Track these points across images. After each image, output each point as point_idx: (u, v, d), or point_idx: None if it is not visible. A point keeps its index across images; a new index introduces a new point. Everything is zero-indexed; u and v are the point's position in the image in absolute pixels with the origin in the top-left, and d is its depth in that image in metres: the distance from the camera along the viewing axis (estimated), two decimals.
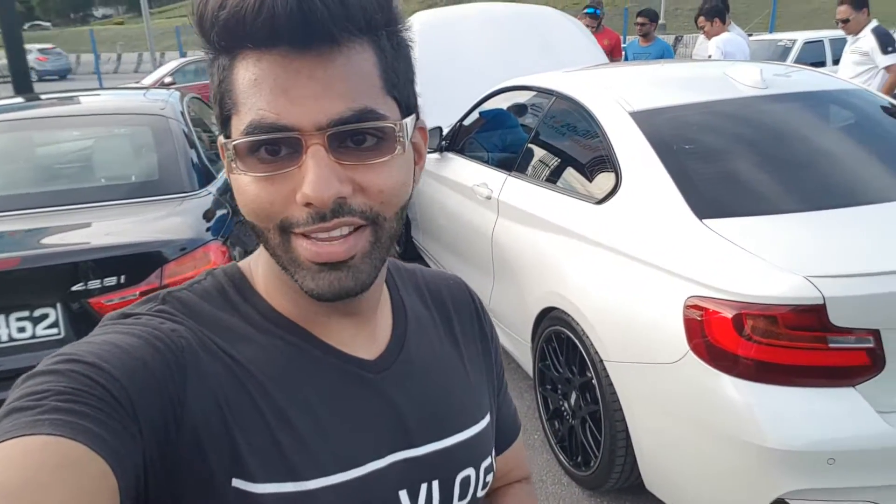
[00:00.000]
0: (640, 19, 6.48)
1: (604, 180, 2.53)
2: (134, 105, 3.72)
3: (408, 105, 0.61)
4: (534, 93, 3.35)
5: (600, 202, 2.49)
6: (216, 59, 0.58)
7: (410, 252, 4.76)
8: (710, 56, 5.49)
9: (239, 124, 0.56)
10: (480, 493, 0.72)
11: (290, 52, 0.53)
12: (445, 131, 4.11)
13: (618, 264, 2.27)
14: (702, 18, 5.58)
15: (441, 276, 0.83)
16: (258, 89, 0.54)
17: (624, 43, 7.46)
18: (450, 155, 3.99)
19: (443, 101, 4.40)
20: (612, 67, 3.44)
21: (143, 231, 2.74)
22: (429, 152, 4.14)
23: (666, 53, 6.42)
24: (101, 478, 0.47)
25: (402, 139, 0.58)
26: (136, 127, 3.37)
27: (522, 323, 2.88)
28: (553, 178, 2.87)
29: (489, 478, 0.73)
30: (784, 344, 1.80)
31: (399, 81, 0.59)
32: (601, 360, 2.29)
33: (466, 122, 4.04)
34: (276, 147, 0.55)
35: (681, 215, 2.16)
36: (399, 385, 0.67)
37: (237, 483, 0.56)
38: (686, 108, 2.58)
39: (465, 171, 3.67)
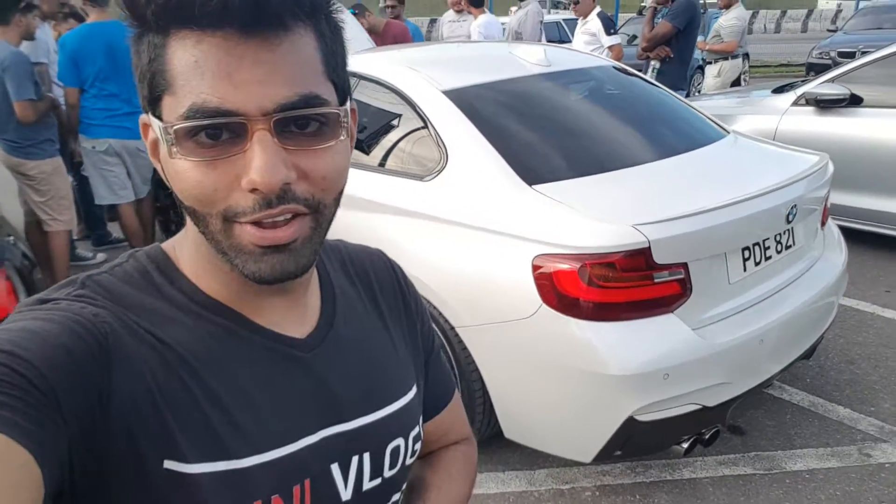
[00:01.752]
0: (389, 2, 6.69)
1: (429, 157, 2.65)
2: None
3: (344, 89, 0.62)
4: None
5: (428, 178, 2.61)
6: (144, 35, 0.56)
7: None
8: (470, 37, 5.90)
9: (176, 106, 0.54)
10: (410, 461, 0.75)
11: (235, 36, 0.53)
12: None
13: (458, 236, 2.41)
14: (465, 2, 6.00)
15: (364, 250, 0.85)
16: (198, 71, 0.53)
17: None
18: None
19: None
20: (400, 49, 3.55)
21: None
22: None
23: (415, 34, 6.72)
24: (22, 468, 0.46)
25: (345, 125, 0.59)
26: None
27: None
28: (373, 160, 2.92)
29: (417, 446, 0.76)
30: (621, 285, 2.10)
31: (337, 66, 0.60)
32: (452, 328, 2.43)
33: None
34: (217, 131, 0.54)
35: (513, 184, 2.36)
36: (329, 362, 0.69)
37: (169, 465, 0.56)
38: (491, 85, 2.80)
39: None
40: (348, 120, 0.60)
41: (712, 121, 3.13)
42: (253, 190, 0.54)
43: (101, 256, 4.96)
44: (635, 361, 2.08)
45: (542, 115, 2.71)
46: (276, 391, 0.64)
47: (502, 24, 6.33)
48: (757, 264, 2.39)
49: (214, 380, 0.60)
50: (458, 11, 6.26)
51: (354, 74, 3.12)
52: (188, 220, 0.62)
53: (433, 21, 21.59)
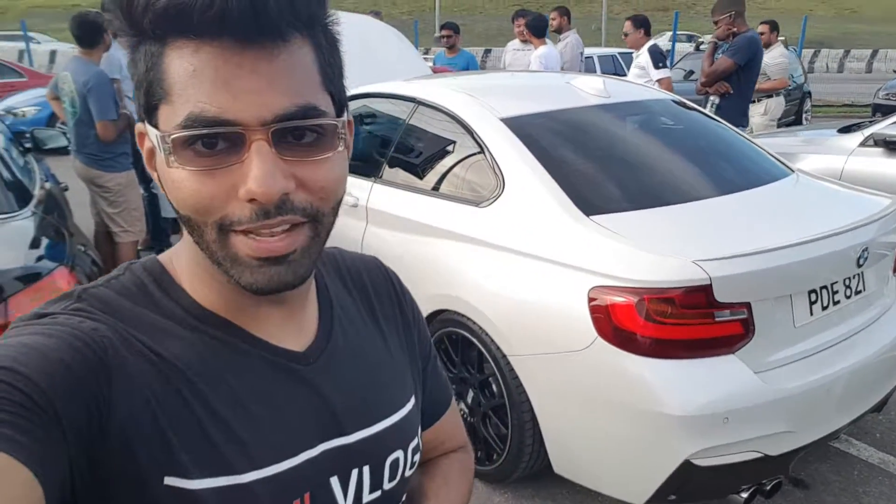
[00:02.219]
0: (444, 31, 6.78)
1: (485, 184, 2.64)
2: None
3: (340, 100, 0.62)
4: (390, 100, 3.37)
5: (484, 205, 2.59)
6: (141, 44, 0.56)
7: None
8: (530, 66, 5.91)
9: (173, 115, 0.54)
10: (409, 473, 0.75)
11: (234, 45, 0.53)
12: None
13: (514, 263, 2.38)
14: (528, 32, 6.03)
15: (360, 258, 0.84)
16: (196, 81, 0.53)
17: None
18: None
19: None
20: (460, 77, 3.58)
21: None
22: None
23: (471, 64, 6.78)
24: (25, 486, 0.46)
25: (342, 136, 0.59)
26: None
27: None
28: (429, 185, 2.92)
29: (416, 458, 0.75)
30: (680, 322, 2.03)
31: (334, 77, 0.60)
32: (504, 356, 2.39)
33: None
34: (215, 140, 0.54)
35: (570, 213, 2.33)
36: (327, 375, 0.68)
37: (170, 481, 0.56)
38: (549, 114, 2.79)
39: None
40: (346, 131, 0.60)
41: (776, 158, 3.04)
42: (251, 200, 0.54)
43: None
44: (694, 402, 2.00)
45: (600, 146, 2.68)
46: (275, 405, 0.63)
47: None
48: (824, 308, 2.29)
49: (213, 394, 0.60)
50: (524, 41, 6.28)
51: (412, 99, 3.15)
52: (185, 231, 0.61)
53: (488, 51, 21.83)
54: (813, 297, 2.25)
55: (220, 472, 0.58)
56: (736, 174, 2.73)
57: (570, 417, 2.25)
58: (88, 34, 3.96)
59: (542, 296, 2.27)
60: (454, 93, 2.98)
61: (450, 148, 2.91)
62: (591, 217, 2.30)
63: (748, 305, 2.08)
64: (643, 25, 5.78)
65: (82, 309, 0.58)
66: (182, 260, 0.64)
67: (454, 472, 0.88)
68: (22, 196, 2.85)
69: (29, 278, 2.24)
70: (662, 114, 3.07)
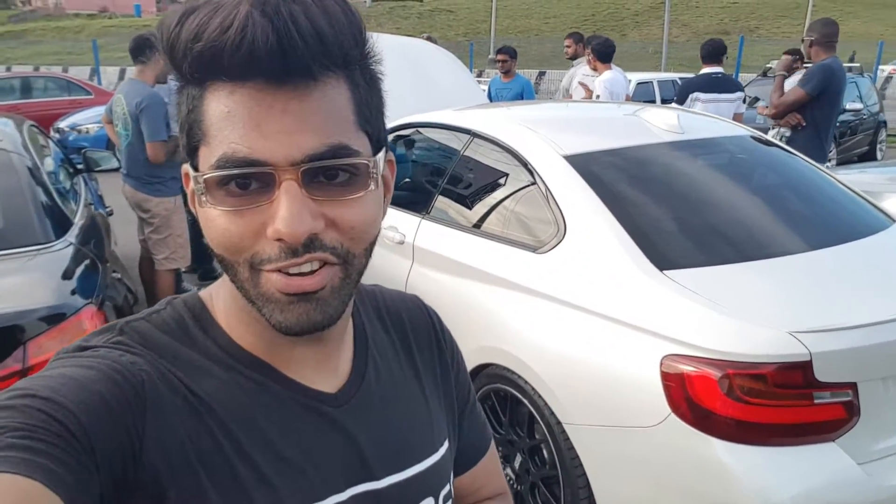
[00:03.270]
0: (500, 56, 6.60)
1: (544, 228, 2.40)
2: None
3: (378, 139, 0.61)
4: (443, 130, 3.17)
5: (542, 251, 2.35)
6: (185, 87, 0.57)
7: None
8: (597, 96, 5.65)
9: (209, 156, 0.55)
10: None
11: (266, 86, 0.53)
12: None
13: (574, 320, 2.13)
14: (593, 56, 5.78)
15: (400, 297, 0.83)
16: (230, 122, 0.54)
17: None
18: None
19: None
20: (519, 107, 3.35)
21: None
22: None
23: (526, 89, 6.58)
24: None
25: (374, 175, 0.58)
26: None
27: None
28: (480, 223, 2.70)
29: None
30: (772, 402, 1.75)
31: (371, 116, 0.60)
32: (558, 423, 2.13)
33: None
34: (247, 181, 0.55)
35: (640, 266, 2.07)
36: (359, 418, 0.68)
37: None
38: (616, 152, 2.54)
39: None
40: (378, 170, 0.59)
41: (872, 204, 2.71)
42: (278, 239, 0.55)
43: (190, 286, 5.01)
44: (784, 497, 1.70)
45: (674, 189, 2.41)
46: (305, 447, 0.63)
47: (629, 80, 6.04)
48: None
49: (244, 434, 0.60)
50: (594, 68, 6.02)
51: (467, 131, 2.94)
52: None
53: (542, 73, 21.61)
54: None
55: None
56: (829, 224, 2.42)
57: (634, 500, 1.97)
58: (138, 48, 3.93)
59: (605, 360, 2.01)
60: (513, 125, 2.76)
61: (506, 185, 2.68)
62: (664, 272, 2.04)
63: (854, 386, 1.78)
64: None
65: (123, 342, 0.59)
66: (220, 297, 0.65)
67: None
68: (61, 224, 2.74)
69: (53, 319, 2.10)
70: (741, 152, 2.78)
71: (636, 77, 10.84)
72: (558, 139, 2.56)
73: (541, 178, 2.46)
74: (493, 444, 0.88)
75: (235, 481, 0.58)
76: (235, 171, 0.54)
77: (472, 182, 2.94)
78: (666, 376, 1.84)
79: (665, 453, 1.86)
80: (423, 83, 4.65)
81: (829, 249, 2.20)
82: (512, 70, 6.45)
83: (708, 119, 3.19)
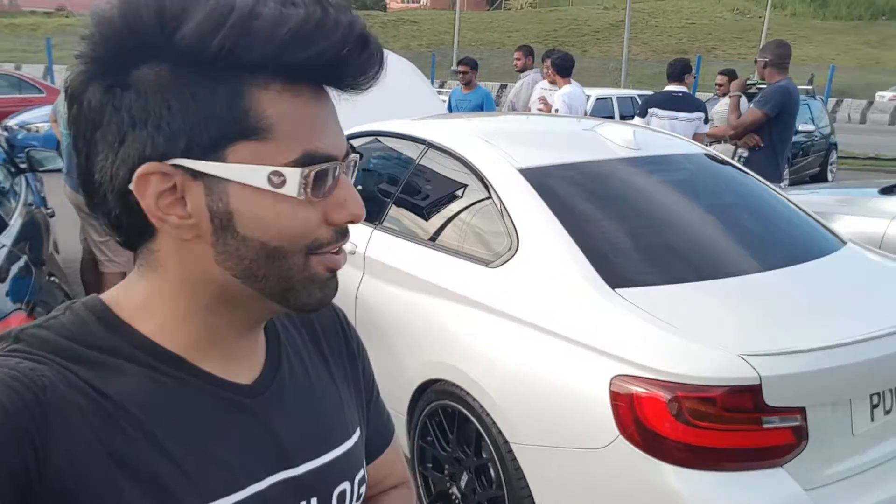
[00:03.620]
0: (461, 67, 6.58)
1: (497, 241, 2.34)
2: None
3: None
4: (398, 139, 3.09)
5: (495, 265, 2.29)
6: (216, 83, 0.56)
7: None
8: (556, 109, 5.65)
9: (275, 153, 0.57)
10: None
11: (318, 92, 0.60)
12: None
13: (523, 336, 2.07)
14: (552, 70, 5.80)
15: None
16: (306, 121, 0.58)
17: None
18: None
19: None
20: (477, 118, 3.29)
21: None
22: None
23: (486, 101, 6.55)
24: None
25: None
26: None
27: (396, 394, 2.57)
28: (433, 236, 2.63)
29: (362, 489, 0.76)
30: (721, 426, 1.71)
31: None
32: (506, 442, 2.07)
33: None
34: (324, 174, 0.59)
35: (592, 284, 2.02)
36: (275, 407, 0.68)
37: None
38: (573, 167, 2.50)
39: None
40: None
41: (823, 225, 2.73)
42: (348, 222, 0.62)
43: None
44: None
45: (629, 207, 2.38)
46: (223, 439, 0.63)
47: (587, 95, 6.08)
48: (888, 413, 1.96)
49: (160, 430, 0.59)
50: (552, 81, 6.02)
51: (423, 141, 2.88)
52: (173, 271, 0.61)
53: (504, 86, 21.72)
54: (875, 399, 1.92)
55: None
56: (782, 245, 2.42)
57: None
58: None
59: (554, 379, 1.96)
60: (468, 136, 2.71)
61: (460, 197, 2.62)
62: (616, 290, 1.99)
63: (803, 411, 1.75)
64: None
65: (20, 350, 0.57)
66: (137, 298, 0.63)
67: None
68: None
69: None
70: (697, 171, 2.77)
71: (596, 93, 10.96)
72: (514, 152, 2.52)
73: (495, 190, 2.41)
74: (395, 435, 0.91)
75: (154, 479, 0.57)
76: (324, 166, 0.58)
77: (426, 193, 2.87)
78: (615, 397, 1.79)
79: (613, 476, 1.81)
80: (381, 92, 4.57)
81: (780, 270, 2.19)
82: (473, 81, 6.43)
83: (664, 136, 3.19)
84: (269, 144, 0.57)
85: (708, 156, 2.97)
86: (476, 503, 2.27)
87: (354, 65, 0.57)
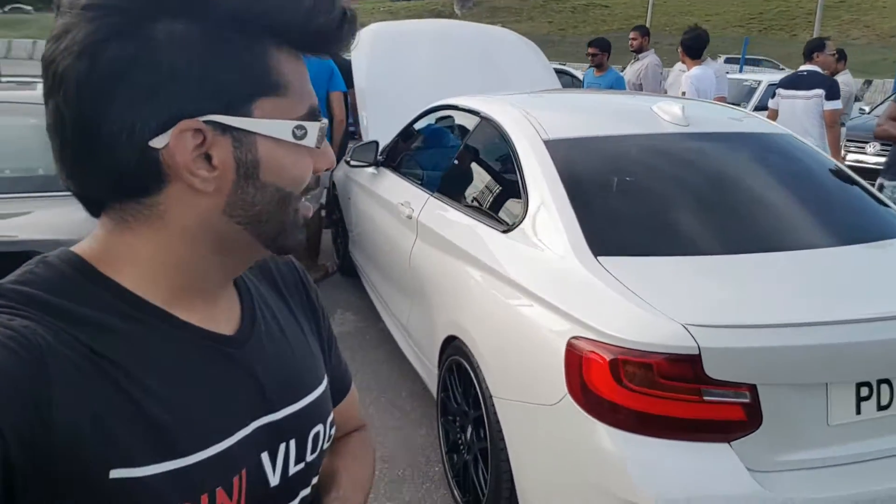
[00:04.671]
0: (591, 49, 6.43)
1: (514, 210, 2.45)
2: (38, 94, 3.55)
3: None
4: (463, 113, 3.26)
5: (507, 231, 2.40)
6: (250, 42, 0.60)
7: (348, 265, 4.64)
8: (683, 92, 5.47)
9: (289, 108, 0.63)
10: (327, 445, 0.79)
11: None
12: (382, 146, 4.01)
13: (512, 298, 2.18)
14: (682, 51, 5.62)
15: (270, 255, 0.88)
16: (306, 81, 0.65)
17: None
18: (384, 170, 3.89)
19: (389, 114, 4.31)
20: (546, 94, 3.35)
21: (34, 228, 2.60)
22: (364, 166, 4.02)
23: (617, 83, 6.37)
24: None
25: None
26: (37, 118, 3.20)
27: (430, 349, 2.78)
28: (469, 202, 2.78)
29: (332, 430, 0.80)
30: (658, 394, 1.71)
31: None
32: (491, 396, 2.19)
33: (404, 138, 3.95)
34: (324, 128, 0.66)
35: (578, 250, 2.07)
36: (257, 356, 0.71)
37: (116, 473, 0.56)
38: (601, 140, 2.52)
39: (393, 187, 3.57)
40: None
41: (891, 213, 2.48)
42: (324, 169, 0.69)
43: None
44: (651, 491, 1.67)
45: (643, 180, 2.36)
46: (212, 387, 0.66)
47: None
48: (883, 408, 1.80)
49: (151, 380, 0.61)
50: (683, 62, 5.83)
51: (476, 113, 3.02)
52: (138, 227, 0.62)
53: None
54: (864, 391, 1.79)
55: (165, 456, 0.59)
56: (817, 227, 2.25)
57: (540, 476, 2.00)
58: None
59: (527, 338, 2.05)
60: (511, 109, 2.80)
61: (495, 167, 2.74)
62: (598, 258, 2.03)
63: (753, 388, 1.70)
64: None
65: (7, 306, 0.57)
66: (117, 250, 0.63)
67: (360, 449, 0.93)
68: None
69: None
70: (753, 150, 2.63)
71: (768, 78, 10.19)
72: (547, 124, 2.58)
73: (518, 160, 2.50)
74: (353, 383, 0.95)
75: (148, 427, 0.59)
76: (326, 121, 0.67)
77: (472, 163, 3.02)
78: (568, 356, 1.85)
79: (563, 433, 1.87)
80: (489, 68, 4.74)
81: (779, 254, 2.07)
82: (604, 64, 6.31)
83: (730, 114, 3.03)
84: (286, 100, 0.63)
85: (780, 137, 2.79)
86: (473, 454, 2.41)
87: (343, 35, 0.63)
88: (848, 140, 8.97)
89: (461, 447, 2.54)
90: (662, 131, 2.58)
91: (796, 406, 1.73)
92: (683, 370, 1.68)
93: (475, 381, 2.30)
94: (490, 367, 2.19)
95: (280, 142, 0.62)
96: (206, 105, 0.58)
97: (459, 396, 2.51)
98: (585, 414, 1.79)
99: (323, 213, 5.05)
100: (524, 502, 2.07)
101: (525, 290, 2.12)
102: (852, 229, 2.26)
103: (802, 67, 5.04)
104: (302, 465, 0.74)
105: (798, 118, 4.99)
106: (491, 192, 2.68)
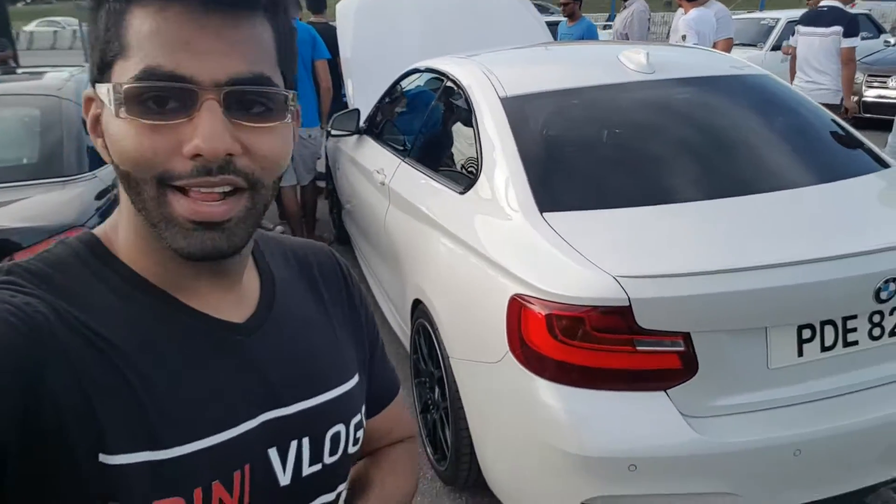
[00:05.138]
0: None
1: (470, 169, 2.44)
2: (29, 85, 3.63)
3: (291, 84, 0.64)
4: (433, 75, 3.23)
5: (463, 192, 2.40)
6: (104, 1, 0.57)
7: (344, 235, 4.69)
8: (683, 36, 5.33)
9: (128, 69, 0.55)
10: (352, 449, 0.73)
11: (199, 8, 0.55)
12: (365, 114, 4.01)
13: (465, 258, 2.19)
14: None
15: (308, 244, 0.84)
16: (157, 38, 0.54)
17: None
18: (365, 138, 3.90)
19: (374, 82, 4.29)
20: (512, 50, 3.29)
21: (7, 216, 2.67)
22: (345, 135, 4.03)
23: (588, 33, 6.20)
24: None
25: (291, 108, 0.61)
26: (24, 108, 3.28)
27: (404, 314, 2.81)
28: (434, 165, 2.78)
29: (359, 434, 0.74)
30: (592, 347, 1.72)
31: (288, 60, 0.63)
32: (448, 357, 2.22)
33: (382, 105, 3.94)
34: (166, 99, 0.55)
35: (525, 208, 2.07)
36: (267, 347, 0.68)
37: (105, 458, 0.55)
38: (559, 94, 2.48)
39: (371, 154, 3.57)
40: (294, 105, 0.62)
41: (870, 150, 2.41)
42: (195, 157, 0.55)
43: (279, 229, 5.46)
44: (593, 442, 1.69)
45: (597, 133, 2.33)
46: (213, 376, 0.63)
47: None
48: (826, 349, 1.78)
49: (149, 367, 0.59)
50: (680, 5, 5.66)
51: (443, 75, 2.99)
52: (123, 199, 0.62)
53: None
54: (807, 333, 1.77)
55: (157, 445, 0.57)
56: (770, 171, 2.20)
57: (491, 432, 2.03)
58: None
59: (474, 297, 2.06)
60: (471, 67, 2.77)
61: (457, 128, 2.73)
62: (544, 214, 2.02)
63: (687, 336, 1.69)
64: None
65: (13, 282, 0.57)
66: (120, 230, 0.64)
67: (400, 462, 0.87)
68: (99, 161, 3.22)
69: (44, 237, 2.53)
70: (711, 93, 2.56)
71: (786, 15, 9.82)
72: (506, 80, 2.55)
73: (477, 119, 2.49)
74: (401, 389, 0.91)
75: (141, 415, 0.57)
76: (160, 84, 0.54)
77: (438, 125, 3.00)
78: (508, 314, 1.86)
79: (506, 389, 1.90)
80: (479, 24, 4.66)
81: (726, 200, 2.02)
82: (576, 13, 6.17)
83: (700, 59, 2.95)
84: (124, 62, 0.56)
85: (757, 79, 2.71)
86: (440, 414, 2.45)
87: None
88: (869, 75, 8.61)
89: (430, 407, 2.59)
90: (625, 81, 2.53)
91: (734, 351, 1.72)
92: (615, 322, 1.69)
93: (435, 343, 2.33)
94: (446, 328, 2.22)
95: (119, 109, 0.56)
96: (93, 73, 0.59)
97: (427, 358, 2.55)
98: (525, 370, 1.80)
99: (320, 184, 5.09)
100: (481, 458, 2.11)
101: (474, 250, 2.13)
102: (808, 171, 2.20)
103: (823, 2, 4.84)
104: (318, 467, 0.70)
105: (815, 56, 4.84)
106: (453, 153, 2.67)
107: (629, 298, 1.66)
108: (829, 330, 1.78)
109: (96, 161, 3.20)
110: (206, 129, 0.54)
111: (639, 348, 1.70)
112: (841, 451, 1.74)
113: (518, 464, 1.93)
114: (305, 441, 0.68)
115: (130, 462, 0.56)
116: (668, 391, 1.72)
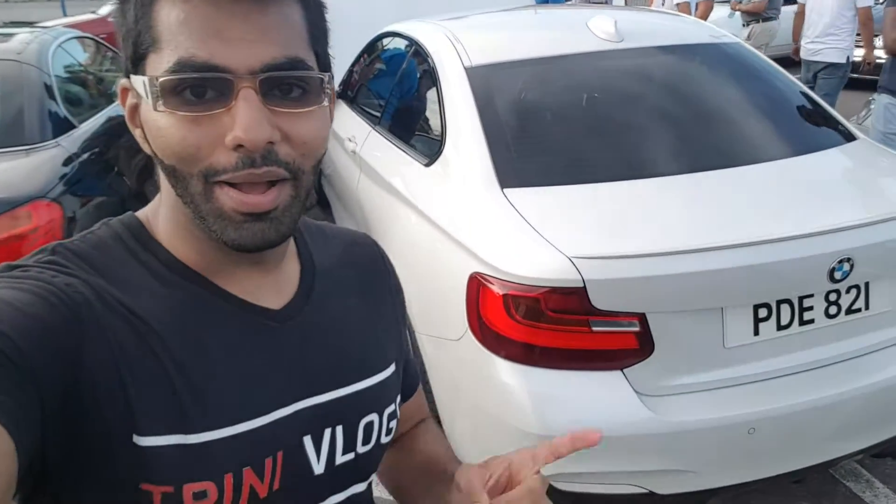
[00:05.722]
0: None
1: (434, 141, 2.40)
2: None
3: (325, 63, 0.62)
4: (403, 40, 3.16)
5: (428, 165, 2.37)
6: None
7: (325, 200, 4.64)
8: (676, 4, 5.23)
9: (161, 62, 0.55)
10: (385, 439, 0.74)
11: None
12: (339, 78, 3.93)
13: (426, 234, 2.17)
14: None
15: (350, 233, 0.84)
16: (187, 28, 0.54)
17: None
18: (340, 102, 3.82)
19: (353, 48, 4.18)
20: (481, 15, 3.19)
21: None
22: None
23: None
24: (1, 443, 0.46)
25: (328, 91, 0.60)
26: None
27: None
28: (402, 135, 2.73)
29: (393, 424, 0.75)
30: (548, 327, 1.72)
31: (320, 38, 0.61)
32: (415, 332, 2.22)
33: (354, 70, 3.86)
34: (203, 89, 0.54)
35: (486, 184, 2.04)
36: (304, 333, 0.68)
37: (139, 439, 0.56)
38: (525, 63, 2.42)
39: (343, 121, 3.51)
40: (331, 86, 0.61)
41: (838, 122, 2.38)
42: (237, 147, 0.55)
43: None
44: (550, 421, 1.71)
45: (562, 105, 2.28)
46: (248, 362, 0.63)
47: None
48: (782, 328, 1.79)
49: (185, 351, 0.59)
50: None
51: (411, 41, 2.92)
52: (164, 186, 0.62)
53: None
54: (763, 312, 1.77)
55: (188, 429, 0.58)
56: (732, 146, 2.17)
57: (455, 410, 2.05)
58: None
59: (439, 273, 2.05)
60: (438, 33, 2.70)
61: (424, 98, 2.67)
62: (505, 190, 2.00)
63: (642, 317, 1.69)
64: None
65: (56, 262, 0.58)
66: (161, 215, 0.65)
67: (433, 431, 0.93)
68: (61, 128, 3.14)
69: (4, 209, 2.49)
70: (678, 62, 2.51)
71: None
72: (472, 49, 2.49)
73: (440, 90, 2.44)
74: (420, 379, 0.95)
75: (176, 398, 0.58)
76: (195, 75, 0.54)
77: (405, 93, 2.94)
78: (468, 293, 1.86)
79: (466, 367, 1.90)
80: None
81: (688, 176, 2.01)
82: None
83: (675, 24, 2.89)
84: (157, 55, 0.56)
85: (728, 47, 2.66)
86: None
87: None
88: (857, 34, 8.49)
89: None
90: (593, 49, 2.48)
91: (690, 331, 1.73)
92: (570, 303, 1.68)
93: (410, 323, 2.33)
94: (412, 304, 2.20)
95: (157, 102, 0.56)
96: (127, 65, 0.59)
97: None
98: (483, 348, 1.81)
99: None
100: (449, 433, 2.13)
101: (437, 225, 2.11)
102: (771, 146, 2.17)
103: None
104: (351, 456, 0.70)
105: (826, 15, 4.70)
106: (419, 124, 2.62)
107: (584, 280, 1.65)
108: (785, 309, 1.78)
109: (60, 128, 3.14)
110: (245, 120, 0.54)
111: (594, 329, 1.70)
112: (796, 429, 1.76)
113: (483, 440, 1.95)
114: (339, 429, 0.68)
115: (162, 444, 0.56)
116: (624, 371, 1.73)
